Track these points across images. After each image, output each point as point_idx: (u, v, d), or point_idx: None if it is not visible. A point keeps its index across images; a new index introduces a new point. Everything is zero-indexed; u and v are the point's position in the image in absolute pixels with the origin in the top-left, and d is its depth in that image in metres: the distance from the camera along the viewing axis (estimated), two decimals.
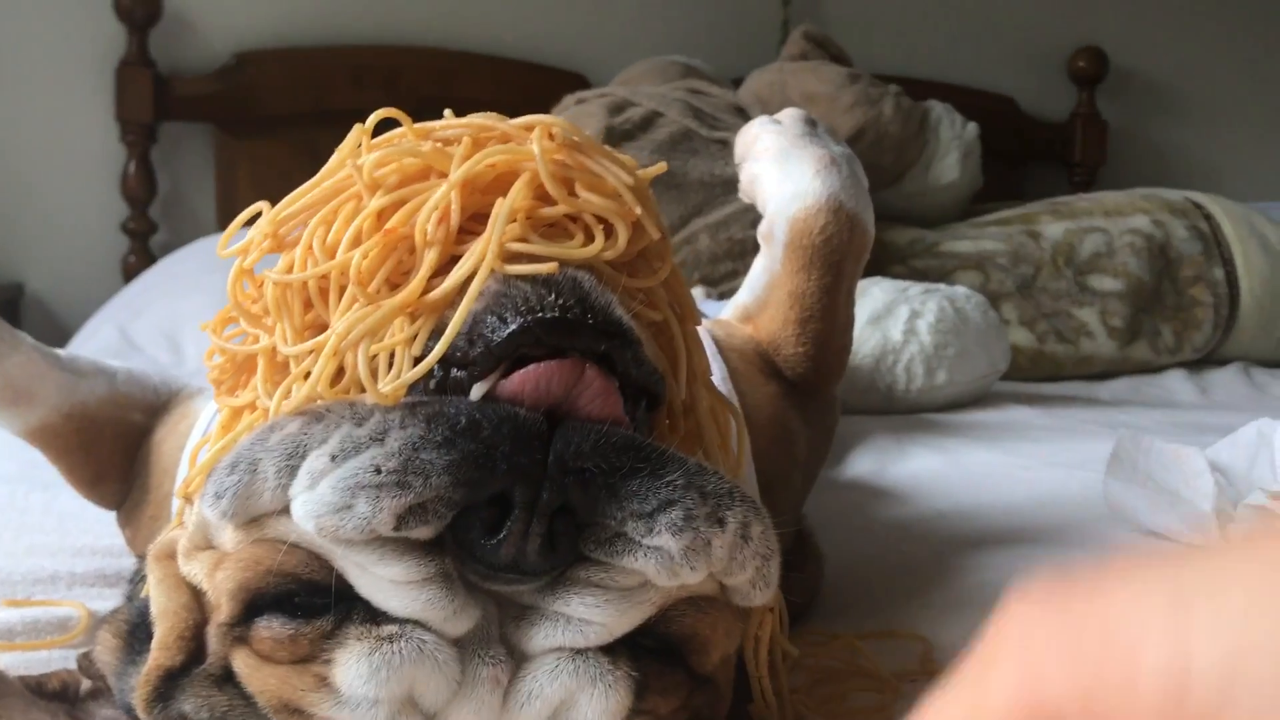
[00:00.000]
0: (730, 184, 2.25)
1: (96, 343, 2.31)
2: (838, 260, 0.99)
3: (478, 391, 0.61)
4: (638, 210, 0.66)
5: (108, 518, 1.10)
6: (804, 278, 0.99)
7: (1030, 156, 3.32)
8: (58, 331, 2.75)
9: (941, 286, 2.08)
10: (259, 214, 0.71)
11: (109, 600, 0.98)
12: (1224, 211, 2.67)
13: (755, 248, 1.08)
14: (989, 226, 2.61)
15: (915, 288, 2.04)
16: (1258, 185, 3.41)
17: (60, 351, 1.02)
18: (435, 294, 0.63)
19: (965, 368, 1.99)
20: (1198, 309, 2.57)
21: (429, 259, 0.63)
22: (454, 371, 0.62)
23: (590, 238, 0.65)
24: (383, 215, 0.65)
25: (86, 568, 1.05)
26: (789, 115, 1.06)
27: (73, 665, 0.79)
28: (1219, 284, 2.58)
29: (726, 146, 2.31)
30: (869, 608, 1.01)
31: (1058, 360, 2.45)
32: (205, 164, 2.93)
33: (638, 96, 2.40)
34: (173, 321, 2.25)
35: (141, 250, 2.83)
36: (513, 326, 0.60)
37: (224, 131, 2.87)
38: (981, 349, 2.02)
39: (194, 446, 0.76)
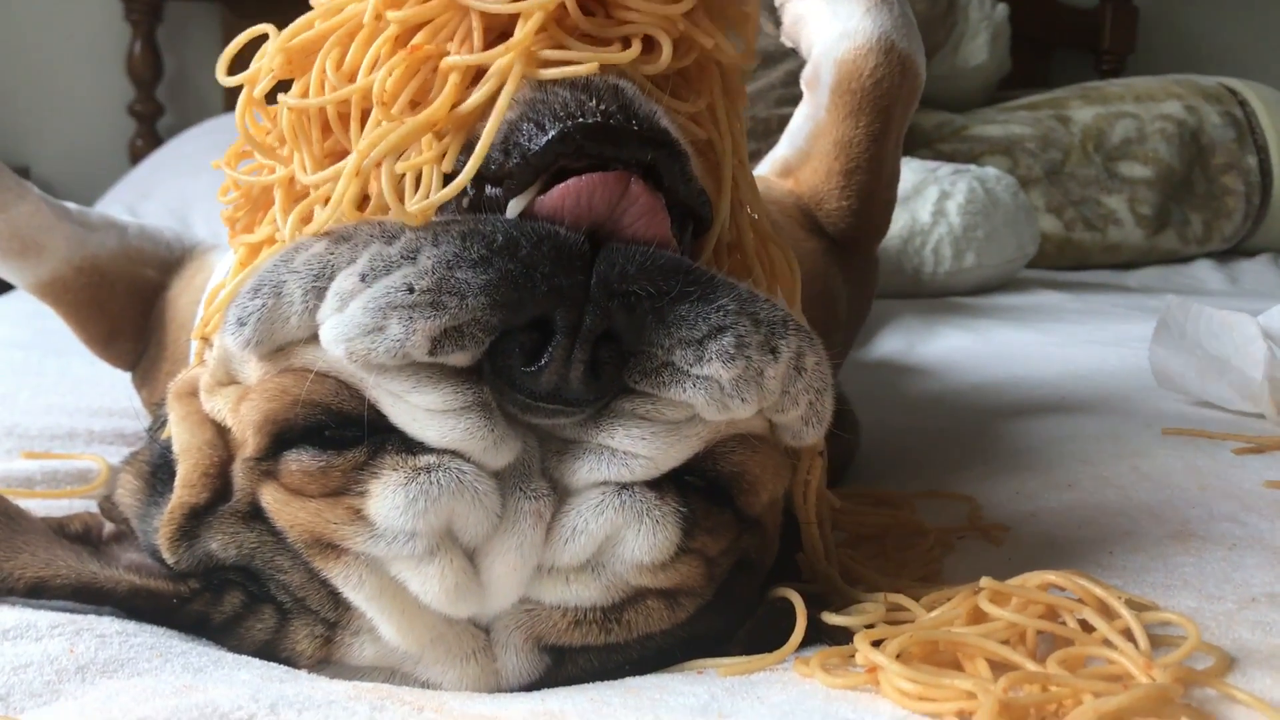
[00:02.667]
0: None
1: None
2: (887, 105, 0.94)
3: (515, 208, 0.57)
4: (680, 26, 0.61)
5: (123, 381, 1.07)
6: (851, 124, 0.94)
7: (1057, 43, 3.23)
8: None
9: (971, 168, 2.02)
10: (261, 37, 0.66)
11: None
12: (1259, 98, 2.60)
13: (780, 126, 1.03)
14: (1018, 111, 2.54)
15: (944, 168, 1.99)
16: None
17: (70, 204, 0.98)
18: (463, 107, 0.58)
19: (994, 250, 1.94)
20: (1229, 198, 2.51)
21: (454, 76, 0.58)
22: (488, 189, 0.58)
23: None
24: (401, 37, 0.61)
25: (105, 426, 1.03)
26: None
27: (103, 495, 0.76)
28: (1251, 172, 2.51)
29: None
30: (911, 472, 0.98)
31: (1085, 248, 2.40)
32: (212, 44, 2.85)
33: None
34: (181, 201, 2.21)
35: (148, 133, 2.77)
36: (551, 133, 0.56)
37: (231, 11, 2.79)
38: (1011, 231, 1.97)
39: (211, 290, 0.72)
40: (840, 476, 0.98)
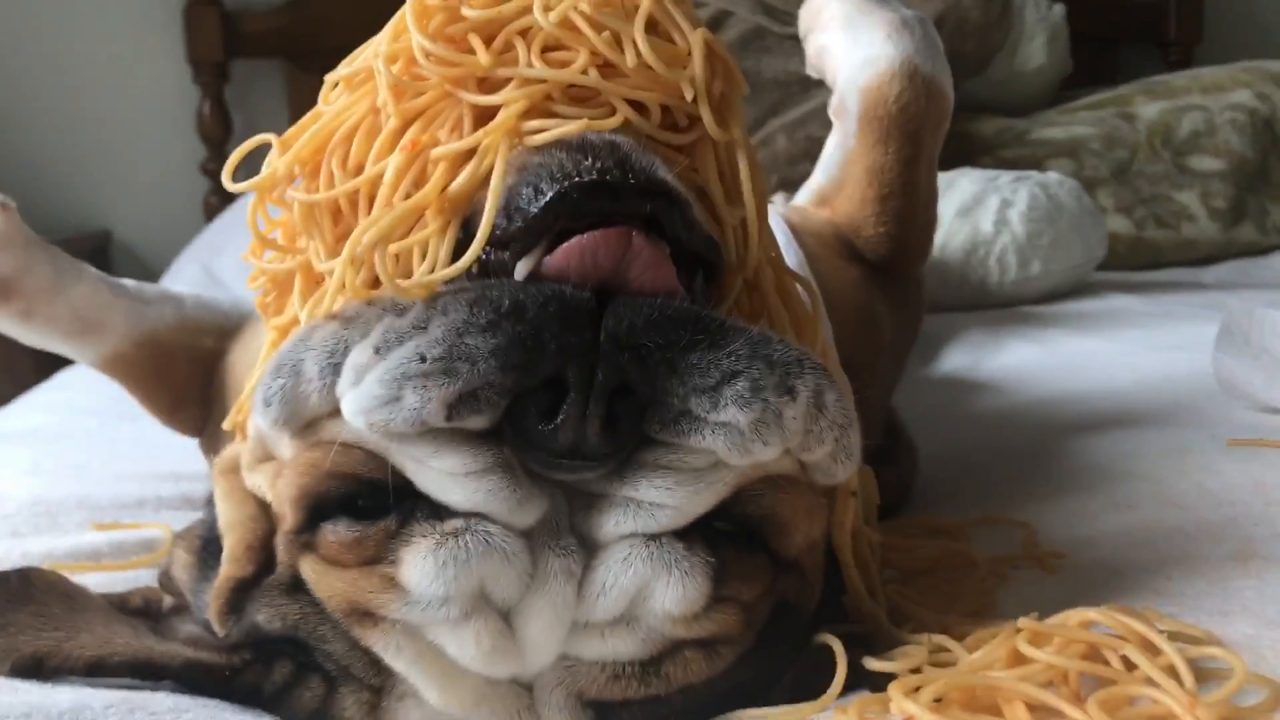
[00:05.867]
0: (807, 81, 2.17)
1: (182, 282, 2.33)
2: (916, 129, 0.93)
3: (521, 271, 0.58)
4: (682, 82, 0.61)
5: (194, 445, 1.10)
6: (881, 151, 0.93)
7: (1122, 37, 3.16)
8: (147, 275, 2.74)
9: (1033, 173, 1.99)
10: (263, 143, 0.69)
11: None
12: None
13: None
14: (1080, 111, 2.49)
15: (1005, 176, 1.96)
16: None
17: (127, 281, 1.01)
18: (452, 188, 0.59)
19: (1060, 257, 1.90)
20: None
21: (442, 165, 0.59)
22: (493, 254, 0.59)
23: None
24: (400, 129, 0.62)
25: (173, 492, 1.06)
26: None
27: (161, 569, 0.78)
28: None
29: (800, 43, 2.23)
30: (968, 497, 0.96)
31: (1157, 246, 2.34)
32: (279, 100, 2.93)
33: None
34: None
35: (221, 190, 2.84)
36: (549, 194, 0.57)
37: (295, 66, 2.86)
38: (1077, 236, 1.93)
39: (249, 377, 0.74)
40: (900, 505, 0.97)
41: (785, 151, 2.18)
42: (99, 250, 2.90)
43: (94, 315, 0.95)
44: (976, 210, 1.90)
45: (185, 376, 1.01)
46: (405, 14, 0.62)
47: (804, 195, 1.03)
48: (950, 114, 0.97)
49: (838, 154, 0.98)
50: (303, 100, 2.88)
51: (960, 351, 1.60)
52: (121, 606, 0.72)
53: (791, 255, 0.90)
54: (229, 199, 2.80)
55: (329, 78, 0.68)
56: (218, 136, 2.84)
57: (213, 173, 2.85)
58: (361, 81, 0.64)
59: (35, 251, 0.92)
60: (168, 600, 0.73)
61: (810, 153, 2.14)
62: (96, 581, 0.82)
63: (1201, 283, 2.13)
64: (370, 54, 0.65)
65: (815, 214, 0.99)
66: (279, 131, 0.69)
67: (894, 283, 0.97)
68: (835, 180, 0.99)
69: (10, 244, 0.90)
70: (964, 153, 2.27)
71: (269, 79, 2.93)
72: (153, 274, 2.74)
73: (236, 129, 2.88)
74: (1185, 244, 2.35)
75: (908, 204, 0.95)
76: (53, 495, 1.00)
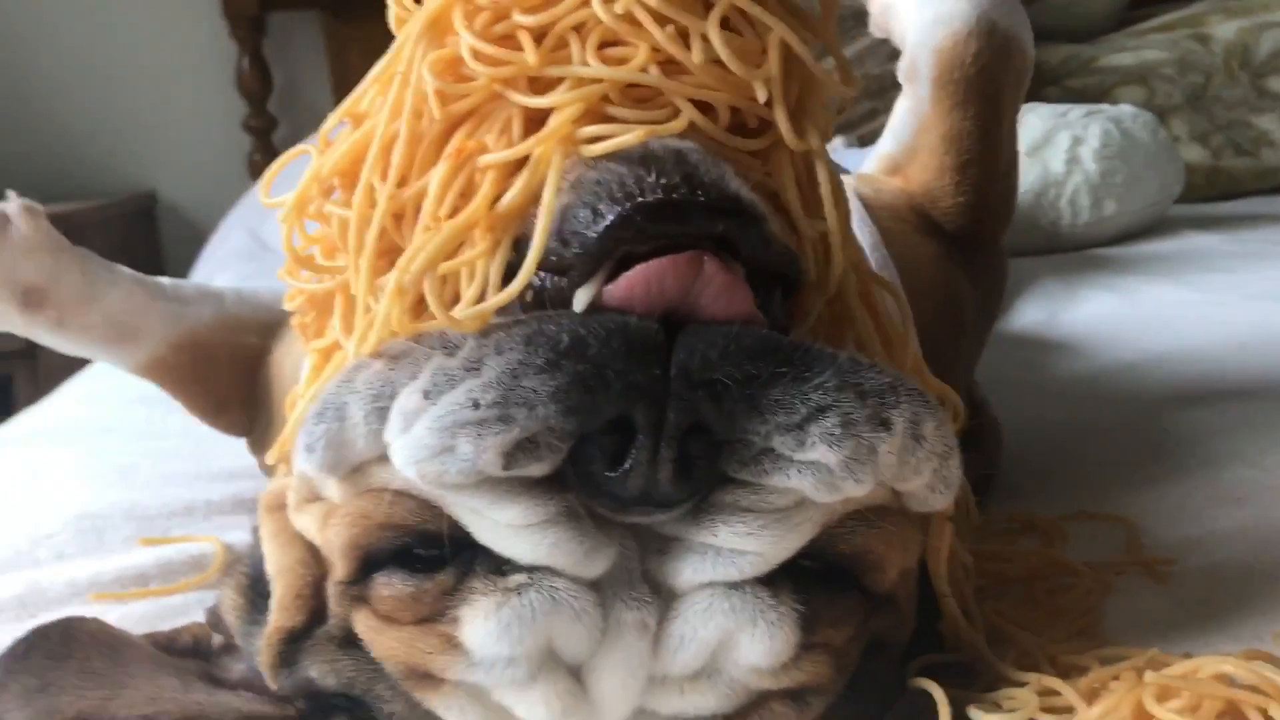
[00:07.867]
0: (862, 14, 2.07)
1: (228, 248, 2.30)
2: (995, 91, 0.86)
3: (581, 300, 0.52)
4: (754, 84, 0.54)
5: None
6: (958, 116, 0.86)
7: None
8: (193, 235, 2.76)
9: (1105, 107, 1.89)
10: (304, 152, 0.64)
11: (246, 530, 0.94)
12: None
13: (895, 84, 0.96)
14: (1150, 34, 2.37)
15: (1075, 111, 1.86)
16: None
17: (164, 280, 0.96)
18: (502, 203, 0.53)
19: (1135, 195, 1.82)
20: None
21: (491, 174, 0.53)
22: (549, 279, 0.54)
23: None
24: (444, 134, 0.56)
25: (223, 494, 1.02)
26: None
27: (209, 606, 0.74)
28: None
29: None
30: (1058, 485, 0.90)
31: (1235, 175, 2.24)
32: (317, 52, 2.88)
33: None
34: None
35: (264, 146, 2.81)
36: (609, 218, 0.51)
37: (332, 16, 2.80)
38: (1152, 172, 1.84)
39: (290, 396, 0.69)
40: (987, 490, 0.91)
41: None
42: (145, 211, 2.89)
43: (130, 320, 0.90)
44: (1046, 149, 1.82)
45: (229, 377, 0.97)
46: (414, 32, 0.56)
47: (873, 163, 0.96)
48: (1031, 71, 0.89)
49: (910, 120, 0.91)
50: (341, 51, 2.84)
51: (1035, 303, 1.53)
52: (169, 647, 0.68)
53: (865, 234, 0.84)
54: (271, 155, 2.76)
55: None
56: (258, 92, 2.80)
57: (254, 129, 2.81)
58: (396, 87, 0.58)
59: (65, 257, 0.87)
60: (217, 638, 0.69)
61: (869, 90, 2.06)
62: (143, 611, 0.79)
63: None
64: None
65: (887, 184, 0.92)
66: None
67: (975, 255, 0.91)
68: (908, 147, 0.91)
69: (39, 250, 0.86)
70: (1029, 84, 2.17)
71: (307, 31, 2.88)
72: (200, 234, 2.71)
73: (277, 83, 2.84)
74: (1265, 172, 2.24)
75: (988, 171, 0.88)
76: (99, 507, 0.97)
